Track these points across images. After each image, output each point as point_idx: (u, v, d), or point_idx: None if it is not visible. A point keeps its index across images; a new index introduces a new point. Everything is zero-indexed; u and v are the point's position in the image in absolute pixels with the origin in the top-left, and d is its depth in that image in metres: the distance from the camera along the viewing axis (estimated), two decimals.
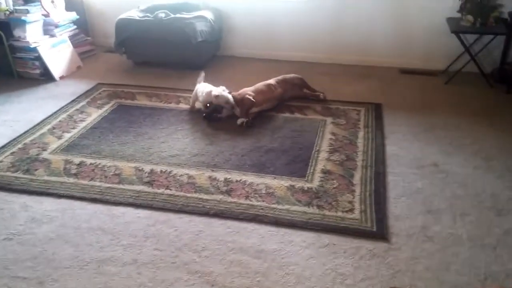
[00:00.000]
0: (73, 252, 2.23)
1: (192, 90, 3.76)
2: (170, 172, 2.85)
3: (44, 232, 2.37)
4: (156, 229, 2.38)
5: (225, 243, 2.27)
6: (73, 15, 4.76)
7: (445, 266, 2.11)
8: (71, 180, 2.79)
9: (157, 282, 2.05)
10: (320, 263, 2.14)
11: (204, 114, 3.51)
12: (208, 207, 2.53)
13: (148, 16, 4.45)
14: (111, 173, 2.84)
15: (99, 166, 2.92)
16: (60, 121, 3.54)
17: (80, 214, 2.50)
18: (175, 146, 3.15)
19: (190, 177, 2.79)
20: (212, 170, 2.86)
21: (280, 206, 2.51)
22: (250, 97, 3.45)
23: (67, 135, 3.32)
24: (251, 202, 2.55)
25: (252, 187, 2.68)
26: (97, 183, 2.75)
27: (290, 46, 4.76)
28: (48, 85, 4.28)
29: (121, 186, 2.72)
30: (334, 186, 2.68)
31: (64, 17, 4.63)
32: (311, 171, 2.84)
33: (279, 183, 2.72)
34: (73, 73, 4.56)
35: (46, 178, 2.80)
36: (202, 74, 3.82)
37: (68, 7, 4.76)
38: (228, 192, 2.64)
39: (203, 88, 3.57)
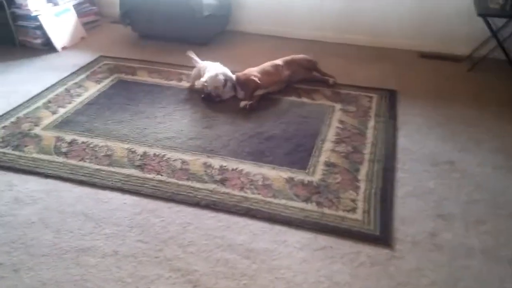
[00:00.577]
0: (53, 238, 2.10)
1: (194, 67, 3.56)
2: (163, 156, 2.68)
3: (26, 214, 2.24)
4: (142, 218, 2.23)
5: (214, 238, 2.11)
6: None
7: (453, 281, 1.91)
8: (60, 159, 2.64)
9: (137, 278, 1.91)
10: (314, 268, 1.96)
11: (202, 95, 3.31)
12: (199, 197, 2.36)
13: None
14: (102, 154, 2.69)
15: (91, 145, 2.77)
16: (56, 95, 3.38)
17: (65, 196, 2.37)
18: (172, 128, 2.98)
19: (184, 162, 2.63)
20: (208, 156, 2.68)
21: (276, 201, 2.34)
22: (255, 79, 3.24)
23: (61, 111, 3.16)
24: (245, 194, 2.38)
25: (248, 177, 2.50)
26: (87, 164, 2.60)
27: (301, 24, 4.49)
28: (49, 56, 4.12)
29: (110, 168, 2.57)
30: (337, 181, 2.49)
31: None
32: (314, 162, 2.64)
33: (277, 174, 2.53)
34: (76, 44, 4.39)
35: (35, 155, 2.67)
36: (192, 55, 3.59)
37: None
38: (223, 182, 2.47)
39: (206, 67, 3.35)
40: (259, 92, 3.27)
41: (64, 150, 2.73)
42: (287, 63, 3.47)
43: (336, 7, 4.30)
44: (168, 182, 2.46)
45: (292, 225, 2.19)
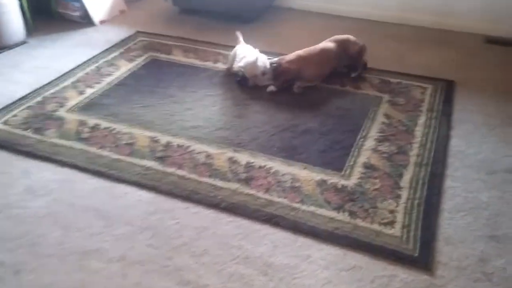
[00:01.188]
0: (60, 236, 1.97)
1: (234, 47, 3.31)
2: (187, 148, 2.48)
3: (37, 207, 2.13)
4: (156, 218, 2.05)
5: (230, 248, 1.90)
6: None
7: None
8: (80, 145, 2.51)
9: None
10: None
11: (238, 79, 3.06)
12: (220, 197, 2.15)
13: None
14: (124, 142, 2.53)
15: (113, 131, 2.62)
16: (87, 73, 3.25)
17: (79, 188, 2.23)
18: (200, 115, 2.77)
19: (208, 156, 2.42)
20: (235, 150, 2.46)
21: (304, 207, 2.09)
22: (297, 67, 2.92)
23: (89, 91, 3.03)
24: (270, 197, 2.14)
25: (276, 177, 2.26)
26: (106, 153, 2.45)
27: (355, 0, 4.09)
28: (86, 30, 4.00)
29: (130, 159, 2.41)
30: (376, 187, 2.20)
31: None
32: (351, 163, 2.36)
33: (309, 175, 2.27)
34: (114, 18, 4.24)
35: (55, 140, 2.54)
36: (239, 36, 3.31)
37: None
38: (247, 181, 2.24)
39: (243, 51, 3.09)
40: (300, 83, 2.96)
41: (85, 135, 2.59)
42: (340, 47, 3.06)
43: None
44: (188, 178, 2.27)
45: (319, 238, 1.94)
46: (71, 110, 2.83)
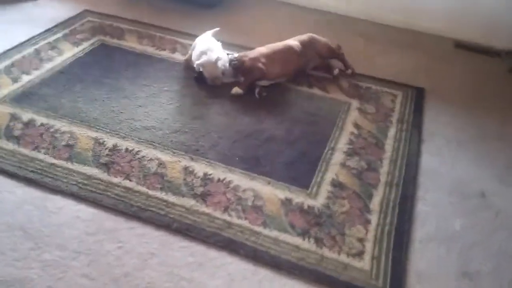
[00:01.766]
0: None
1: (195, 35, 3.01)
2: (137, 153, 2.20)
3: None
4: (95, 240, 1.77)
5: (180, 280, 1.66)
6: None
7: None
8: (9, 145, 2.17)
9: None
10: None
11: (195, 75, 2.77)
12: (171, 216, 1.90)
13: None
14: (63, 143, 2.21)
15: (51, 129, 2.29)
16: (23, 56, 2.86)
17: (6, 200, 1.91)
18: (153, 114, 2.47)
19: (160, 164, 2.15)
20: (191, 158, 2.20)
21: (266, 231, 1.87)
22: (263, 67, 2.67)
23: (25, 78, 2.65)
24: (229, 218, 1.91)
25: (237, 193, 2.03)
26: (41, 156, 2.13)
27: None
28: (25, 4, 3.55)
29: (69, 165, 2.09)
30: (344, 209, 2.01)
31: None
32: (318, 179, 2.16)
33: (272, 192, 2.05)
34: None
35: None
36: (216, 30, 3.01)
37: None
38: (204, 197, 2.00)
39: (204, 44, 2.78)
40: (263, 83, 2.73)
41: (17, 133, 2.25)
42: (305, 46, 2.86)
43: None
44: (136, 191, 1.99)
45: (282, 270, 1.73)
46: (2, 100, 2.46)
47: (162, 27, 3.35)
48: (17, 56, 2.84)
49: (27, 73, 2.69)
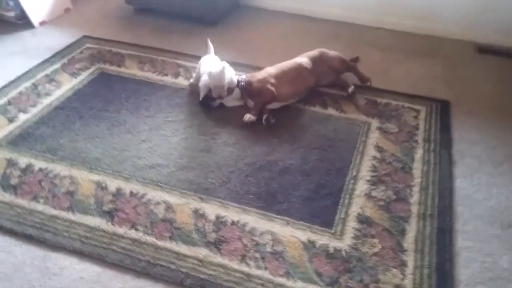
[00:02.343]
0: None
1: (198, 57, 2.84)
2: (142, 196, 2.02)
3: None
4: None
5: None
6: None
7: None
8: (6, 197, 2.00)
9: None
10: None
11: (200, 100, 2.59)
12: (183, 270, 1.71)
13: None
14: (63, 190, 2.04)
15: (50, 175, 2.12)
16: (20, 92, 2.70)
17: (4, 262, 1.74)
18: (158, 150, 2.30)
19: (168, 208, 1.97)
20: (201, 199, 2.02)
21: (290, 283, 1.68)
22: (273, 89, 2.48)
23: (22, 117, 2.50)
24: (247, 269, 1.72)
25: (253, 238, 1.84)
26: (40, 207, 1.96)
27: (331, 0, 3.66)
28: (23, 34, 3.41)
29: (70, 215, 1.92)
30: (375, 250, 1.81)
31: None
32: (342, 216, 1.96)
33: (292, 234, 1.86)
34: (58, 18, 3.66)
35: None
36: (209, 44, 2.84)
37: None
38: (218, 244, 1.81)
39: (209, 64, 2.61)
40: (273, 105, 2.54)
41: (14, 181, 2.08)
42: (315, 62, 2.67)
43: None
44: (144, 242, 1.81)
45: None
46: None
47: (163, 50, 3.18)
48: (14, 93, 2.69)
49: (24, 111, 2.53)
